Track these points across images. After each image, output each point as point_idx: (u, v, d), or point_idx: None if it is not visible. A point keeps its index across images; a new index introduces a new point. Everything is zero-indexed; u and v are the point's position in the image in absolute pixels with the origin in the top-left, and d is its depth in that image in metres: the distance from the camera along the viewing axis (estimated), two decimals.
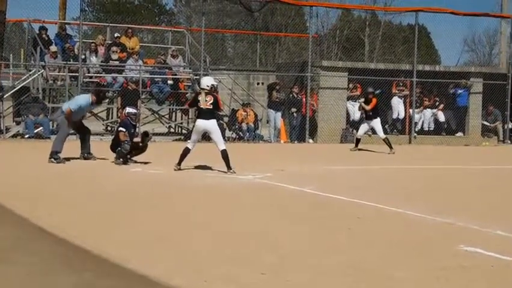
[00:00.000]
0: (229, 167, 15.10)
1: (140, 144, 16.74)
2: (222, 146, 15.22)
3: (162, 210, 10.64)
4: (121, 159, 16.20)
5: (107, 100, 24.77)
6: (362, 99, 22.81)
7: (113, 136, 17.56)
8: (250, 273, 6.95)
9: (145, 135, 17.16)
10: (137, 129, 17.94)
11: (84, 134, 17.16)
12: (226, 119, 25.93)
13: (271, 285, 6.59)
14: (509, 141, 27.81)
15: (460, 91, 27.47)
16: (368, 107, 22.00)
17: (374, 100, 22.08)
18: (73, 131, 17.49)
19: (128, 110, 17.02)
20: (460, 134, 27.57)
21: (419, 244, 8.57)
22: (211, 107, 15.14)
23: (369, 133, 22.93)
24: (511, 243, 8.76)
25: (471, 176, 16.92)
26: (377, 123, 22.01)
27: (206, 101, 15.11)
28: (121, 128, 16.64)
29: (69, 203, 10.91)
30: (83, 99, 17.15)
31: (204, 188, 13.10)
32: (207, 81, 15.59)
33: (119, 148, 16.27)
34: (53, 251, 7.69)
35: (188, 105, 16.17)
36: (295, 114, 25.60)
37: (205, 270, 6.99)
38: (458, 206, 11.82)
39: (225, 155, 15.11)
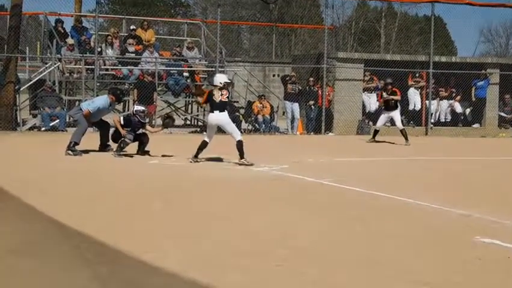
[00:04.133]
0: (242, 157, 15.11)
1: (162, 126, 16.77)
2: (238, 136, 15.24)
3: (178, 202, 10.65)
4: (121, 152, 16.12)
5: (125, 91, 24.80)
6: (385, 94, 22.67)
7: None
8: (266, 265, 6.96)
9: (168, 117, 17.12)
10: (153, 121, 17.89)
11: (103, 128, 17.20)
12: (242, 111, 25.95)
13: (287, 277, 6.59)
14: None
15: (479, 83, 27.36)
16: (398, 97, 21.95)
17: (398, 90, 22.06)
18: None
19: (136, 107, 16.92)
20: (476, 125, 27.47)
21: (436, 236, 8.54)
22: (226, 100, 15.29)
23: (388, 124, 22.90)
24: None
25: (488, 168, 16.86)
26: (396, 113, 21.96)
27: (222, 94, 15.17)
28: (121, 119, 16.67)
29: (86, 196, 10.92)
30: (102, 100, 17.15)
31: (220, 181, 13.10)
32: (220, 79, 15.59)
33: (122, 138, 16.20)
34: (70, 244, 7.71)
35: (203, 102, 16.06)
36: (312, 106, 25.58)
37: (221, 262, 7.00)
38: (474, 198, 11.80)
39: (239, 146, 15.14)
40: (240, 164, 15.05)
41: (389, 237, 8.39)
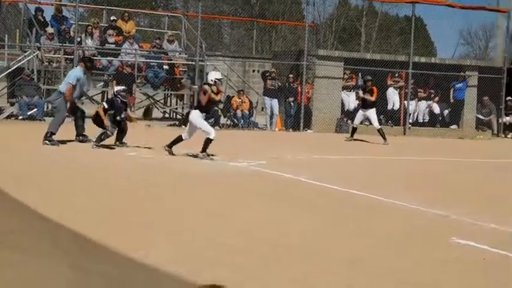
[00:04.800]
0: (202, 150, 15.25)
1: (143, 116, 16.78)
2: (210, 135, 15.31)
3: (160, 198, 10.62)
4: (99, 144, 16.08)
5: (104, 82, 24.69)
6: (361, 91, 22.78)
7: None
8: (252, 262, 6.96)
9: (147, 112, 17.12)
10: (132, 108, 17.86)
11: (78, 117, 17.10)
12: (221, 106, 25.91)
13: (274, 274, 6.59)
14: (503, 135, 27.83)
15: (458, 85, 27.50)
16: (372, 98, 21.98)
17: (375, 89, 22.12)
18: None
19: (117, 88, 17.02)
20: (454, 126, 27.58)
21: (414, 236, 8.59)
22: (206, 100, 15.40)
23: (366, 123, 22.94)
24: (504, 236, 8.79)
25: (465, 169, 16.93)
26: (372, 113, 22.01)
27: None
28: (104, 104, 16.62)
29: (66, 190, 10.86)
30: (75, 71, 17.24)
31: (200, 176, 13.10)
32: (210, 76, 15.69)
33: (104, 131, 16.14)
34: (50, 236, 7.68)
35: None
36: (292, 103, 25.58)
37: (213, 259, 6.99)
38: (452, 199, 11.85)
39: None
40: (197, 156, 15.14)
41: (368, 237, 8.43)
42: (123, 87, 17.08)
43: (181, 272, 6.42)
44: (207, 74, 16.46)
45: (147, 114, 17.33)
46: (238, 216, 9.39)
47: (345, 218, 9.52)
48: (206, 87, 15.38)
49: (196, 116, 15.28)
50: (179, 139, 15.43)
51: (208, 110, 15.45)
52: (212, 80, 15.36)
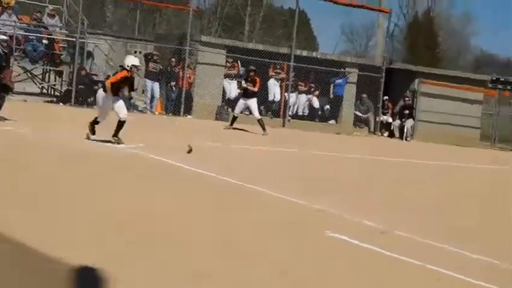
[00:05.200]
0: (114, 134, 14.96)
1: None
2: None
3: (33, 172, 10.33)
4: None
5: None
6: (243, 81, 22.83)
7: None
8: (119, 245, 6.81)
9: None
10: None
11: None
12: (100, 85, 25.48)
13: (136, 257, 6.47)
14: (379, 133, 28.42)
15: (338, 81, 27.89)
16: (255, 89, 22.08)
17: (258, 79, 22.20)
18: None
19: None
20: (332, 121, 27.98)
21: (287, 228, 8.64)
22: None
23: (246, 113, 22.97)
24: (374, 232, 8.89)
25: (342, 163, 17.19)
26: (253, 102, 22.08)
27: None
28: None
29: None
30: None
31: (78, 155, 12.94)
32: (127, 61, 15.47)
33: None
34: None
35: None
36: (173, 87, 25.41)
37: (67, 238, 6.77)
38: (327, 192, 11.98)
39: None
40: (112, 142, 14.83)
41: (244, 227, 8.41)
42: (5, 37, 16.60)
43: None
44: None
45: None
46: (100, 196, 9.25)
47: (214, 206, 9.54)
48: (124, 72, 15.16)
49: (100, 95, 15.23)
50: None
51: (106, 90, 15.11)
52: (128, 66, 15.13)
